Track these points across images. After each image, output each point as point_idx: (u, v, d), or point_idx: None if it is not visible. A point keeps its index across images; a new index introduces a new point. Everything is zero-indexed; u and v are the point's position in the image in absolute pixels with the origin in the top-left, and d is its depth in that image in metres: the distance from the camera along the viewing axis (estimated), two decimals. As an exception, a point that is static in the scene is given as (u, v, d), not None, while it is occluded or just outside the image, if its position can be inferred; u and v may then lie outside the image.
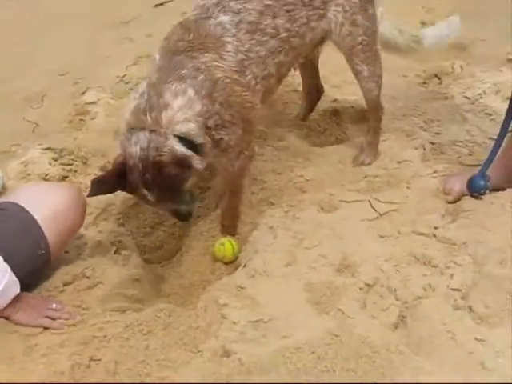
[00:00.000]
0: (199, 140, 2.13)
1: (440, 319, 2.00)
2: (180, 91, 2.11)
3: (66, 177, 2.77)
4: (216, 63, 2.22)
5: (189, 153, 2.09)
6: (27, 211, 2.12)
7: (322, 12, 2.44)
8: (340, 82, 3.24)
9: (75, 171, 2.81)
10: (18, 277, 2.00)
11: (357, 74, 2.61)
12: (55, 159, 2.85)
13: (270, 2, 2.33)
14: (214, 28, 2.25)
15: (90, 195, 2.16)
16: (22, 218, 2.12)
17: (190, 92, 2.12)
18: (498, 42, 3.44)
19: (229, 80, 2.23)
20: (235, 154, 2.36)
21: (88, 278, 2.23)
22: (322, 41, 2.57)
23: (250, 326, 2.04)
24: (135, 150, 2.08)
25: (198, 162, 2.12)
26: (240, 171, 2.44)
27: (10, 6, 4.23)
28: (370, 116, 2.77)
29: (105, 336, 2.00)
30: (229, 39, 2.26)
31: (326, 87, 3.07)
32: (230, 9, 2.28)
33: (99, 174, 2.79)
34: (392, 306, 2.08)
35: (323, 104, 3.06)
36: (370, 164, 2.72)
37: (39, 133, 3.00)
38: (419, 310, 2.04)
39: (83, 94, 3.30)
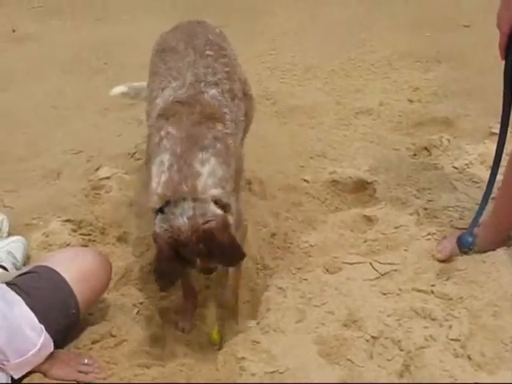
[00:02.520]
0: (228, 200, 2.18)
1: (442, 366, 2.19)
2: (205, 160, 2.17)
3: (86, 246, 2.94)
4: (226, 131, 2.32)
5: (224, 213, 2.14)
6: (58, 272, 2.29)
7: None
8: (338, 155, 3.46)
9: (94, 240, 2.99)
10: (51, 335, 2.17)
11: None
12: (74, 230, 3.03)
13: (228, 69, 2.52)
14: (212, 101, 2.38)
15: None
16: (53, 279, 2.28)
17: (213, 160, 2.18)
18: (480, 117, 3.68)
19: (233, 146, 2.34)
20: (239, 222, 2.40)
21: (114, 336, 2.39)
22: None
23: (267, 377, 2.22)
24: (183, 221, 2.05)
25: (231, 219, 2.18)
26: (241, 241, 2.41)
27: (23, 96, 4.46)
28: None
29: (134, 388, 2.18)
30: (225, 110, 2.40)
31: (325, 161, 3.30)
32: (211, 81, 2.43)
33: (117, 243, 3.01)
34: (397, 356, 2.26)
35: (324, 175, 3.28)
36: None
37: (58, 206, 3.17)
38: (422, 359, 2.22)
39: (97, 170, 3.48)
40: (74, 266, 2.35)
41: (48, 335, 2.15)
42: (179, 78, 2.45)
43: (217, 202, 2.11)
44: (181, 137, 2.23)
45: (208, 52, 2.55)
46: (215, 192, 2.13)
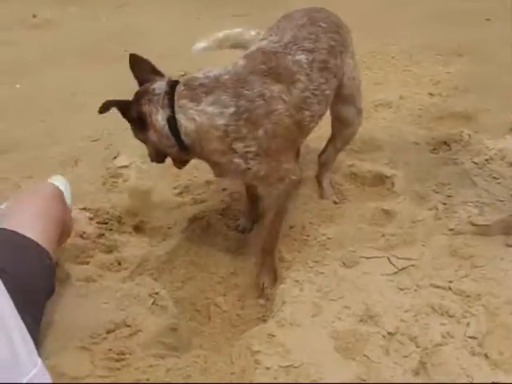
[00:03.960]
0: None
1: (459, 364, 2.15)
2: (223, 103, 2.28)
3: (103, 234, 2.93)
4: (283, 95, 2.35)
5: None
6: (17, 233, 2.20)
7: (339, 63, 2.66)
8: (357, 148, 3.42)
9: (111, 229, 2.98)
10: (40, 296, 2.12)
11: (350, 113, 2.89)
12: (91, 218, 3.03)
13: (333, 43, 2.57)
14: (292, 64, 2.42)
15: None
16: (16, 242, 2.19)
17: (231, 109, 2.28)
18: (501, 112, 3.64)
19: (287, 114, 2.36)
20: (274, 180, 2.45)
21: (129, 326, 2.38)
22: None
23: (282, 370, 2.19)
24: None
25: None
26: (283, 195, 2.53)
27: (42, 83, 4.46)
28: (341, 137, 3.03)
29: (148, 379, 2.16)
30: (302, 77, 2.42)
31: (343, 154, 3.26)
32: (305, 48, 2.46)
33: (133, 232, 3.01)
34: (413, 353, 2.22)
35: (343, 168, 3.25)
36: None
37: (75, 194, 3.14)
38: (439, 356, 2.18)
39: (115, 158, 3.48)
40: (27, 217, 2.28)
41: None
42: (279, 34, 2.52)
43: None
44: (236, 71, 2.36)
45: (321, 23, 2.60)
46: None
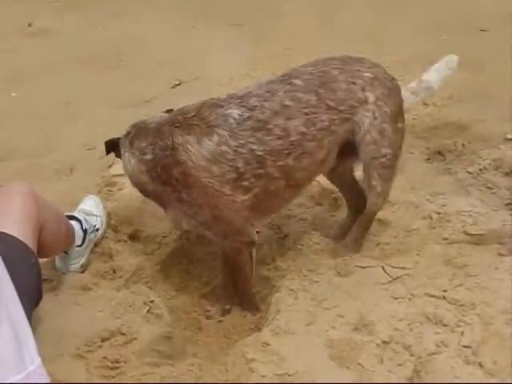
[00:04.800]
0: None
1: (453, 373, 2.16)
2: (132, 158, 2.47)
3: (99, 243, 2.95)
4: (188, 146, 2.31)
5: None
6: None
7: (347, 116, 2.42)
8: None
9: (106, 237, 3.00)
10: (27, 295, 2.03)
11: (369, 187, 2.56)
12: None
13: (289, 103, 2.36)
14: (217, 117, 2.33)
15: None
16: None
17: (133, 162, 2.47)
18: (496, 121, 3.64)
19: (192, 164, 2.30)
20: (220, 234, 2.48)
21: (124, 334, 2.39)
22: (346, 148, 2.51)
23: (277, 379, 2.20)
24: None
25: None
26: (233, 253, 2.54)
27: (38, 92, 4.48)
28: (361, 218, 2.76)
29: (143, 386, 2.18)
30: (221, 131, 2.30)
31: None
32: (247, 104, 2.34)
33: (128, 240, 3.02)
34: (407, 362, 2.24)
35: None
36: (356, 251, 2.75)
37: (70, 202, 3.17)
38: (433, 365, 2.20)
39: (110, 166, 3.48)
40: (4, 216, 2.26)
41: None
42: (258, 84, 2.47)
43: None
44: (158, 124, 2.46)
45: (298, 81, 2.44)
46: None
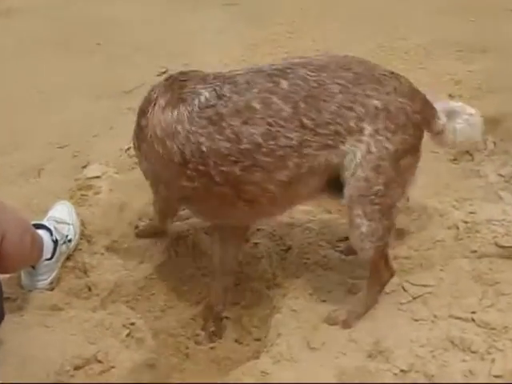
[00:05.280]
0: None
1: (482, 407, 2.17)
2: None
3: (71, 255, 2.93)
4: (156, 107, 2.49)
5: None
6: None
7: (330, 143, 2.35)
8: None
9: (80, 250, 2.98)
10: None
11: (352, 226, 2.44)
12: (56, 237, 3.03)
13: (257, 106, 2.34)
14: (190, 93, 2.44)
15: None
16: None
17: None
18: (531, 116, 3.63)
19: (151, 125, 2.49)
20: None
21: (100, 361, 2.39)
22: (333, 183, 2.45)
23: (278, 413, 2.20)
24: None
25: None
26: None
27: (6, 78, 4.46)
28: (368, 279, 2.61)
29: (121, 423, 2.16)
30: (183, 109, 2.42)
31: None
32: (220, 90, 2.39)
33: (105, 253, 3.01)
34: (430, 394, 2.25)
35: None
36: (346, 324, 2.54)
37: (38, 209, 3.15)
38: (459, 398, 2.21)
39: (85, 167, 3.48)
40: None
41: None
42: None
43: None
44: None
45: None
46: None
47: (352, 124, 2.33)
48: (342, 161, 2.36)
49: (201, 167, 2.38)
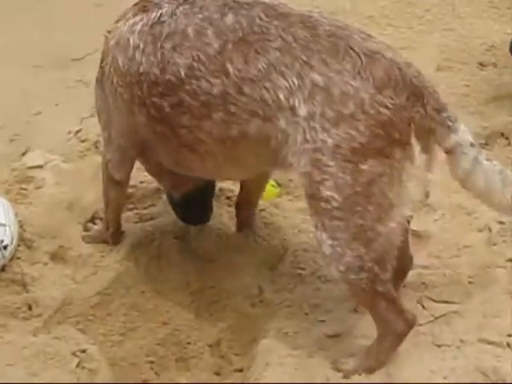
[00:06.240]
0: None
1: None
2: None
3: (7, 265, 2.93)
4: (123, 20, 2.71)
5: None
6: None
7: (259, 111, 2.40)
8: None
9: (18, 258, 2.97)
10: None
11: (317, 243, 2.42)
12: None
13: (190, 34, 2.50)
14: (154, 5, 2.63)
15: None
16: None
17: None
18: None
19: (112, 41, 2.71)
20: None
21: (43, 400, 2.39)
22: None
23: None
24: None
25: None
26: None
27: None
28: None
29: None
30: (144, 21, 2.61)
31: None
32: (175, 7, 2.56)
33: (50, 262, 3.01)
34: None
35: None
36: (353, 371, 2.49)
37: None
38: None
39: (23, 154, 3.48)
40: None
41: None
42: None
43: None
44: None
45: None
46: None
47: (281, 95, 2.34)
48: (287, 140, 2.39)
49: (139, 93, 2.60)
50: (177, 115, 2.53)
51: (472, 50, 4.13)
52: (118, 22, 2.74)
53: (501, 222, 2.96)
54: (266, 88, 2.35)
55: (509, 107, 3.66)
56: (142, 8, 2.64)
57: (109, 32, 2.76)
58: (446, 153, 2.35)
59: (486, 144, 3.44)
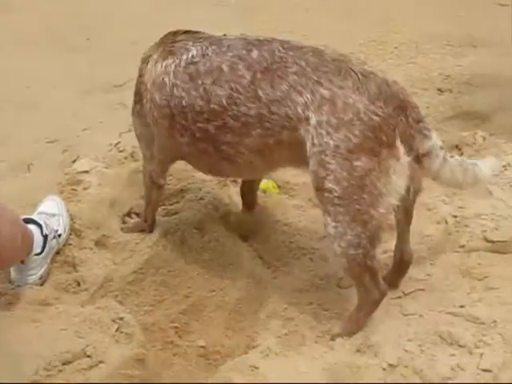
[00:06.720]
0: None
1: (470, 401, 2.17)
2: None
3: (61, 250, 2.93)
4: (150, 61, 2.72)
5: None
6: None
7: (286, 124, 2.42)
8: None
9: (69, 244, 2.97)
10: None
11: (324, 225, 2.44)
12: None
13: (225, 69, 2.50)
14: (181, 48, 2.64)
15: None
16: None
17: None
18: (521, 111, 3.64)
19: (146, 80, 2.71)
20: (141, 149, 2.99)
21: (89, 356, 2.36)
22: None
23: (266, 408, 2.20)
24: None
25: None
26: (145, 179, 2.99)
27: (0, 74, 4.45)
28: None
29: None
30: (171, 62, 2.62)
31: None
32: (206, 50, 2.57)
33: (94, 247, 3.00)
34: (418, 388, 2.23)
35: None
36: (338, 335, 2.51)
37: (28, 204, 3.13)
38: (447, 392, 2.20)
39: (74, 162, 3.46)
40: None
41: None
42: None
43: None
44: None
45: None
46: None
47: (299, 110, 2.38)
48: (305, 145, 2.40)
49: (183, 122, 2.59)
50: (220, 135, 2.54)
51: (432, 79, 4.13)
52: (145, 63, 2.74)
53: (455, 216, 2.95)
54: (288, 106, 2.39)
55: (460, 125, 3.65)
56: (169, 52, 2.64)
57: (140, 70, 2.78)
58: (423, 155, 2.36)
59: (444, 154, 3.41)
